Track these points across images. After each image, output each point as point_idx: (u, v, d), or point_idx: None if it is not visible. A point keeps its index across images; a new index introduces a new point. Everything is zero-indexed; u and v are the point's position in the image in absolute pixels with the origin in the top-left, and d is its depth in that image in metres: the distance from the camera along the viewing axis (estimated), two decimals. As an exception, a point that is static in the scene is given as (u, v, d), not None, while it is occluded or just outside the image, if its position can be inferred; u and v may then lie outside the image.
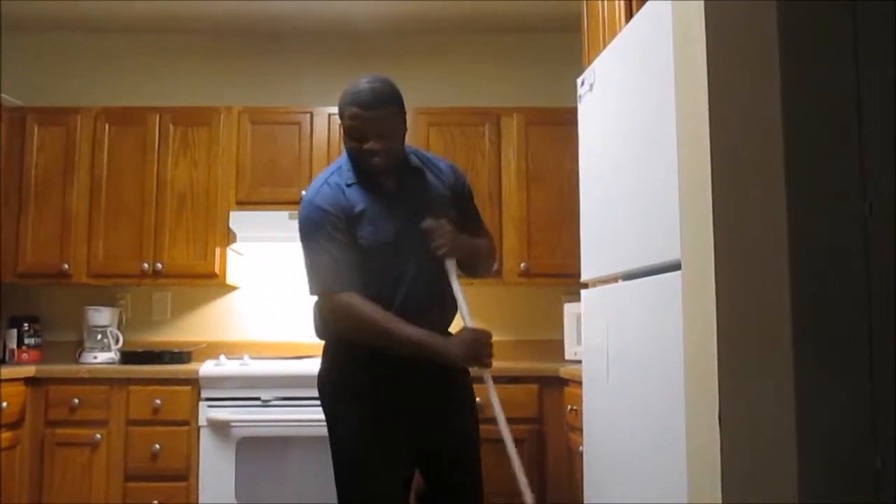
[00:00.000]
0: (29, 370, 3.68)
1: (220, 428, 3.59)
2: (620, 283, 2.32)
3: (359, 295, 2.31)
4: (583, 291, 2.66)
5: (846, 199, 1.12)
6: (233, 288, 4.36)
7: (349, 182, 2.39)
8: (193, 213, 4.07)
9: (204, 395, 3.62)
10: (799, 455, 1.09)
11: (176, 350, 4.03)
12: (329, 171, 2.46)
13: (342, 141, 2.44)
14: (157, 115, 4.12)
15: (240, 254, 4.29)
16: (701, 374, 1.26)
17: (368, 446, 2.33)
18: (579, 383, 2.87)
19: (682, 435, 1.38)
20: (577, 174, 2.70)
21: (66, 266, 4.02)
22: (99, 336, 4.12)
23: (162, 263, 4.02)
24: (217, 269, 4.05)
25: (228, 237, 4.05)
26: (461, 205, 2.57)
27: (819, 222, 1.12)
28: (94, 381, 3.68)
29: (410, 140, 2.62)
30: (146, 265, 4.02)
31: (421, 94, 4.28)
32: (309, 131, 4.13)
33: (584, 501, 2.56)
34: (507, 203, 4.10)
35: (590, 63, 2.75)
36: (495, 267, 2.74)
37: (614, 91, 2.34)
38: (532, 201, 4.09)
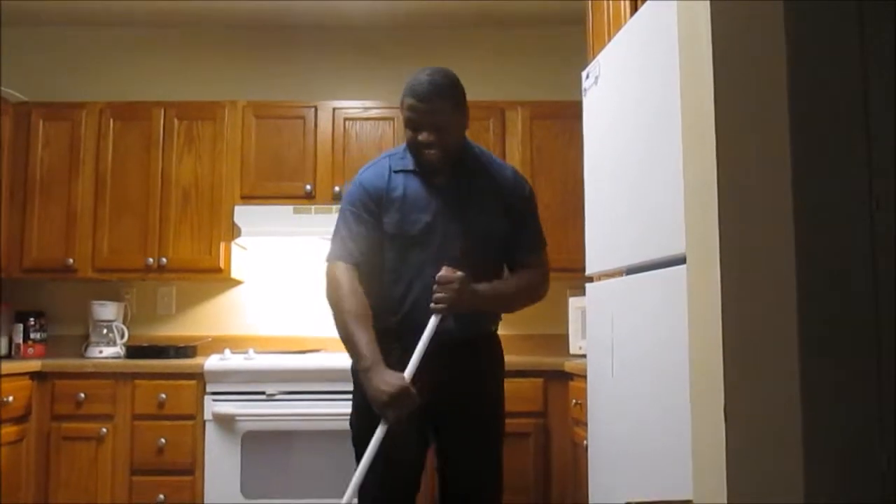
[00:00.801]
0: (34, 365, 3.69)
1: (226, 422, 3.59)
2: (625, 276, 2.32)
3: (353, 274, 2.30)
4: (587, 285, 2.66)
5: (852, 194, 1.12)
6: (237, 282, 4.36)
7: (398, 168, 2.38)
8: (198, 208, 4.07)
9: (209, 389, 3.63)
10: (805, 452, 1.08)
11: (181, 344, 4.04)
12: (388, 153, 2.47)
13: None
14: (162, 110, 4.12)
15: (244, 248, 4.30)
16: (706, 369, 1.25)
17: (364, 424, 2.30)
18: (584, 377, 2.87)
19: (687, 429, 1.38)
20: (581, 168, 2.69)
21: (72, 261, 4.02)
22: (104, 331, 4.13)
23: (167, 258, 4.03)
24: (222, 264, 4.05)
25: (233, 232, 4.05)
26: (513, 217, 2.44)
27: (825, 216, 1.12)
28: (100, 375, 3.69)
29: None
30: (151, 260, 4.03)
31: (425, 88, 4.27)
32: (313, 125, 4.12)
33: (589, 495, 2.56)
34: (511, 197, 4.09)
35: (594, 56, 2.74)
36: (540, 299, 2.58)
37: (619, 84, 2.34)
38: (537, 195, 4.07)
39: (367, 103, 4.18)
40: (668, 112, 1.86)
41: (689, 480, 1.38)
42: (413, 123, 2.30)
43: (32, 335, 4.12)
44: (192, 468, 3.61)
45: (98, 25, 4.49)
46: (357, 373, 2.37)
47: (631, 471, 2.13)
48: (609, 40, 2.59)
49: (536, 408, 3.64)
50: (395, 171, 2.37)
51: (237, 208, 4.04)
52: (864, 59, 1.11)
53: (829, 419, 1.08)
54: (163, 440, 3.61)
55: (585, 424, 2.75)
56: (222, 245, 4.05)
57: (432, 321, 2.25)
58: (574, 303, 3.95)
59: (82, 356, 4.07)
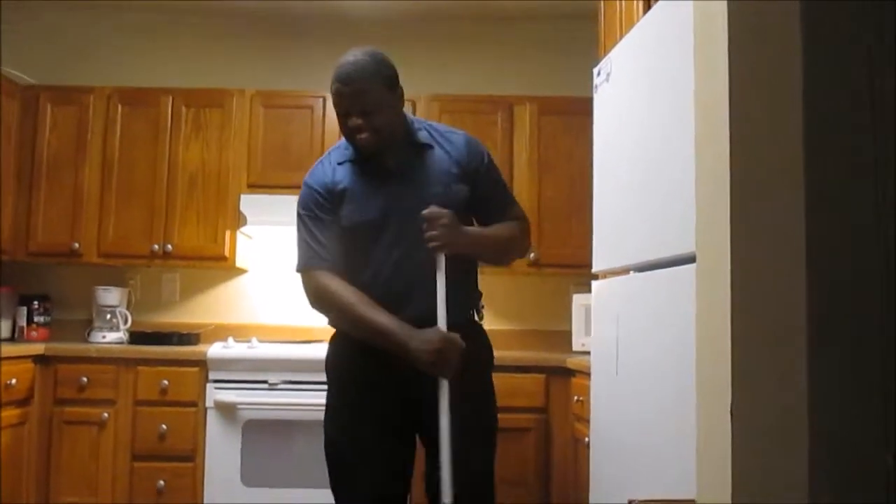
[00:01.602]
0: (38, 348, 3.70)
1: (227, 410, 3.60)
2: (632, 274, 2.32)
3: (335, 275, 2.23)
4: (593, 283, 2.65)
5: (866, 196, 1.11)
6: (242, 271, 4.37)
7: (341, 160, 2.31)
8: (204, 196, 4.07)
9: (211, 376, 3.64)
10: (810, 452, 1.08)
11: (184, 331, 4.05)
12: (332, 149, 2.40)
13: None
14: (170, 97, 4.12)
15: (249, 237, 4.30)
16: (713, 369, 1.25)
17: (345, 422, 2.29)
18: (587, 374, 2.87)
19: (691, 428, 1.38)
20: (589, 164, 2.68)
21: (77, 245, 4.03)
22: (108, 316, 4.14)
23: (172, 245, 4.03)
24: (227, 252, 4.06)
25: (239, 220, 4.06)
26: (476, 182, 2.34)
27: (838, 218, 1.11)
28: (103, 360, 3.70)
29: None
30: (156, 246, 4.03)
31: (433, 82, 4.27)
32: (321, 115, 4.12)
33: (590, 492, 2.57)
34: (518, 192, 4.07)
35: (606, 53, 2.73)
36: (530, 254, 2.50)
37: (632, 81, 2.33)
38: (543, 191, 4.08)
39: (376, 95, 4.18)
40: (680, 111, 1.86)
41: (692, 479, 1.38)
42: (340, 108, 2.20)
43: (36, 318, 4.13)
44: (192, 455, 3.62)
45: (108, 10, 4.49)
46: (329, 370, 2.39)
47: (633, 469, 2.13)
48: (621, 37, 2.59)
49: (538, 403, 3.65)
50: (339, 164, 2.30)
51: (243, 197, 4.04)
52: (882, 61, 1.11)
53: (835, 420, 1.08)
54: (164, 426, 3.62)
55: (587, 421, 2.76)
56: (228, 233, 4.06)
57: (438, 262, 2.17)
58: (578, 299, 3.95)
59: (86, 341, 4.07)
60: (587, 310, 3.69)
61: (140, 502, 3.60)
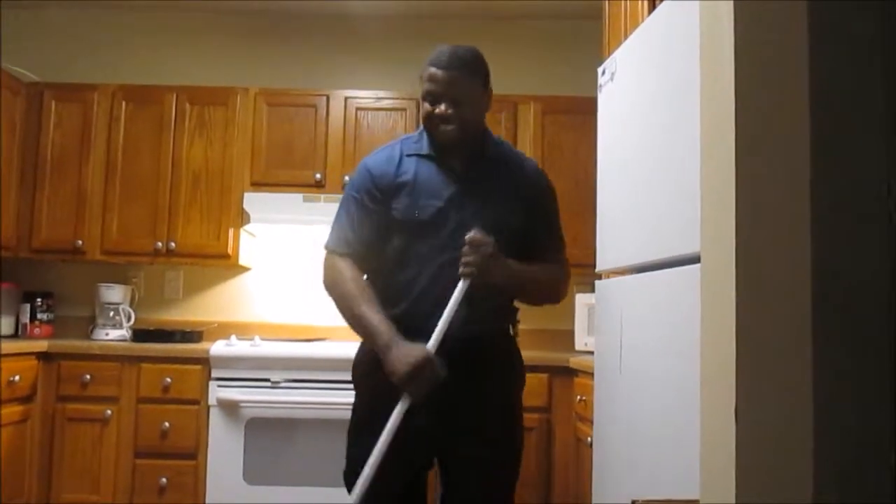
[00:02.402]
0: (41, 345, 3.70)
1: (230, 408, 3.60)
2: (636, 274, 2.31)
3: (354, 265, 2.17)
4: (597, 282, 2.65)
5: (872, 195, 1.11)
6: (245, 269, 4.37)
7: (410, 152, 2.22)
8: (208, 193, 4.07)
9: (214, 374, 3.64)
10: (815, 451, 1.08)
11: (187, 329, 4.05)
12: (403, 137, 2.32)
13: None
14: (174, 94, 4.12)
15: (253, 235, 4.30)
16: (718, 369, 1.25)
17: (360, 430, 2.18)
18: (589, 374, 2.87)
19: (694, 429, 1.38)
20: (593, 164, 2.68)
21: (80, 243, 4.03)
22: (111, 313, 4.14)
23: (175, 243, 4.03)
24: (230, 250, 4.06)
25: (242, 218, 4.06)
26: (531, 214, 2.25)
27: (844, 218, 1.11)
28: (106, 357, 3.70)
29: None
30: (159, 244, 4.03)
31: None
32: (325, 114, 4.12)
33: (592, 492, 2.56)
34: (521, 191, 4.09)
35: (610, 53, 2.73)
36: (560, 299, 2.41)
37: (636, 81, 2.32)
38: (547, 190, 4.07)
39: (380, 93, 4.18)
40: (684, 110, 1.85)
41: (696, 480, 1.38)
42: (431, 95, 2.13)
43: (39, 315, 4.13)
44: (195, 453, 3.62)
45: (113, 7, 4.49)
46: (353, 374, 2.27)
47: (636, 469, 2.13)
48: (626, 37, 2.58)
49: (541, 403, 3.64)
50: (408, 155, 2.22)
51: (247, 195, 4.04)
52: (889, 60, 1.11)
53: (840, 420, 1.08)
54: (167, 424, 3.62)
55: (590, 421, 2.76)
56: (231, 231, 4.06)
57: (460, 286, 2.06)
58: (581, 299, 3.94)
59: (89, 338, 4.08)
60: (590, 309, 3.69)
61: (142, 500, 3.61)
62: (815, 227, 1.08)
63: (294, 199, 4.00)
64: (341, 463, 2.27)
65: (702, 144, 1.39)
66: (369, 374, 2.17)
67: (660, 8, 2.17)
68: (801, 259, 1.10)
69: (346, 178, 4.00)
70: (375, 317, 2.08)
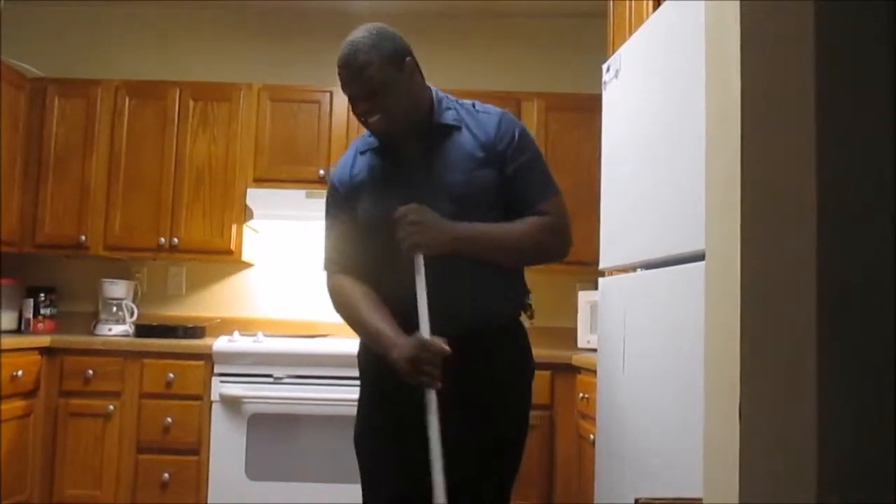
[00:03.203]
0: (44, 340, 3.71)
1: (232, 404, 3.61)
2: (640, 272, 2.31)
3: (350, 277, 2.08)
4: (600, 280, 2.65)
5: (878, 194, 1.11)
6: (248, 265, 4.37)
7: (364, 148, 2.12)
8: (211, 189, 4.07)
9: (217, 370, 3.64)
10: (818, 451, 1.08)
11: (190, 325, 4.05)
12: (359, 136, 2.21)
13: None
14: (178, 90, 4.12)
15: (256, 231, 4.30)
16: (722, 368, 1.25)
17: (366, 418, 2.12)
18: (592, 372, 2.87)
19: (698, 427, 1.38)
20: (596, 161, 2.68)
21: (84, 238, 4.03)
22: (114, 308, 4.15)
23: (178, 238, 4.03)
24: (233, 246, 4.06)
25: (245, 214, 4.06)
26: (503, 164, 2.05)
27: (849, 216, 1.11)
28: (109, 353, 3.70)
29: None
30: (163, 240, 4.04)
31: (441, 78, 4.23)
32: (328, 110, 4.11)
33: (595, 490, 2.56)
34: (524, 188, 4.08)
35: (615, 49, 2.72)
36: (563, 252, 2.20)
37: (641, 78, 2.32)
38: (550, 187, 4.07)
39: (383, 90, 4.17)
40: (689, 108, 1.85)
41: (699, 478, 1.37)
42: (346, 93, 2.02)
43: (43, 311, 4.14)
44: (197, 448, 3.62)
45: (116, 3, 4.49)
46: (359, 363, 2.20)
47: (639, 467, 2.13)
48: (630, 34, 2.58)
49: (543, 400, 3.64)
50: (361, 153, 2.12)
51: (250, 191, 4.04)
52: (895, 59, 1.10)
53: (843, 420, 1.08)
54: (169, 419, 3.63)
55: (592, 418, 2.75)
56: (234, 227, 4.06)
57: (417, 265, 1.94)
58: (584, 296, 3.94)
59: (91, 333, 4.08)
60: (593, 307, 3.69)
61: (144, 495, 3.61)
62: (819, 225, 1.08)
63: (297, 195, 4.00)
64: (344, 459, 2.26)
65: (707, 142, 1.39)
66: (373, 365, 2.10)
67: (665, 5, 2.16)
68: (805, 257, 1.09)
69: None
70: (378, 321, 1.99)
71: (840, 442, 1.07)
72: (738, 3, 1.25)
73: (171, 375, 3.65)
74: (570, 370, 3.57)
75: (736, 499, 1.20)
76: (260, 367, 3.64)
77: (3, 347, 3.37)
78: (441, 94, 2.14)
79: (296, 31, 4.52)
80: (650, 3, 2.76)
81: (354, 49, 1.98)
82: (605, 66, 2.65)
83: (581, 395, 3.36)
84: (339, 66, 2.01)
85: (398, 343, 1.92)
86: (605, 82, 2.63)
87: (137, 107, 4.12)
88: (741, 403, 1.21)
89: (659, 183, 2.10)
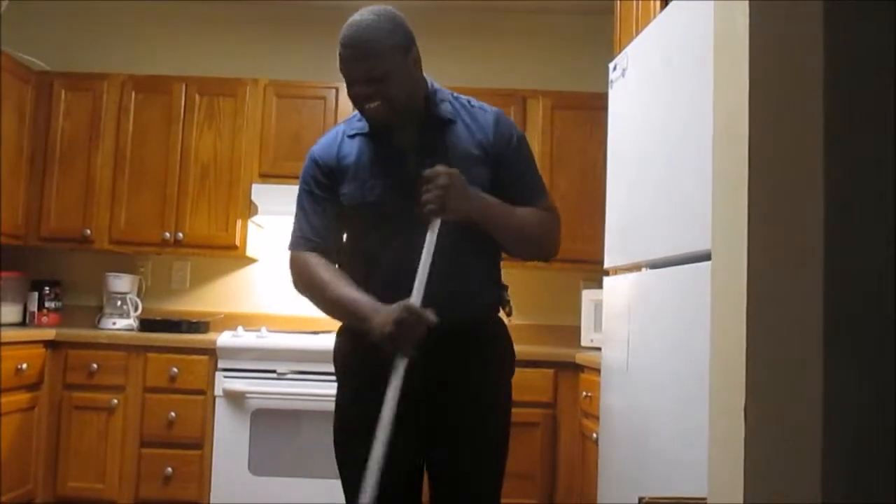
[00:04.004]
0: (49, 333, 3.71)
1: (236, 399, 3.61)
2: (645, 271, 2.31)
3: (320, 256, 2.04)
4: (605, 278, 2.65)
5: (885, 195, 1.11)
6: (252, 260, 4.37)
7: (353, 132, 2.07)
8: (216, 185, 4.08)
9: (221, 365, 3.65)
10: (824, 450, 1.08)
11: (194, 320, 4.06)
12: (348, 118, 2.16)
13: None
14: (184, 85, 4.12)
15: (260, 227, 4.31)
16: (728, 367, 1.25)
17: (347, 418, 2.08)
18: (595, 370, 2.87)
19: (702, 427, 1.38)
20: (602, 160, 2.68)
21: (89, 232, 4.04)
22: (118, 302, 4.15)
23: (183, 233, 4.04)
24: (237, 241, 4.07)
25: (250, 209, 4.06)
26: (500, 166, 2.04)
27: (857, 218, 1.11)
28: (113, 346, 3.71)
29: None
30: (167, 234, 4.04)
31: (446, 74, 4.22)
32: (334, 106, 4.12)
33: (598, 489, 2.56)
34: (529, 186, 4.08)
35: (621, 48, 2.72)
36: (553, 252, 2.13)
37: (648, 77, 2.32)
38: (555, 185, 4.06)
39: (389, 86, 4.17)
40: (696, 107, 1.85)
41: (704, 478, 1.38)
42: (346, 75, 1.94)
43: (47, 304, 4.15)
44: (200, 443, 3.63)
45: (123, -3, 4.49)
46: (335, 364, 2.15)
47: (643, 466, 2.13)
48: (637, 32, 2.57)
49: (546, 398, 3.65)
50: (349, 136, 2.07)
51: (255, 186, 4.05)
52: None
53: (850, 419, 1.08)
54: (173, 414, 3.63)
55: (595, 417, 2.76)
56: (239, 222, 4.06)
57: (431, 230, 1.88)
58: (587, 295, 3.94)
59: (96, 327, 4.09)
60: (597, 305, 3.69)
61: (147, 489, 3.62)
62: (827, 224, 1.08)
63: (302, 191, 4.00)
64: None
65: (714, 141, 1.39)
66: (351, 363, 2.08)
67: (672, 4, 2.16)
68: (813, 257, 1.09)
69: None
70: (353, 294, 1.93)
71: (846, 442, 1.07)
72: (746, 2, 1.25)
73: (175, 370, 3.66)
74: (574, 368, 3.57)
75: (740, 498, 1.21)
76: (263, 362, 3.64)
77: (8, 340, 3.38)
78: (437, 85, 2.11)
79: (301, 26, 4.52)
80: (657, 2, 2.75)
81: (362, 31, 1.92)
82: (611, 65, 2.65)
83: (584, 393, 3.36)
84: (342, 46, 1.94)
85: (381, 309, 1.85)
86: (611, 81, 2.63)
87: (143, 101, 4.12)
88: (746, 403, 1.21)
89: (665, 182, 2.10)
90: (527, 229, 2.04)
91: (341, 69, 1.96)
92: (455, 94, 2.13)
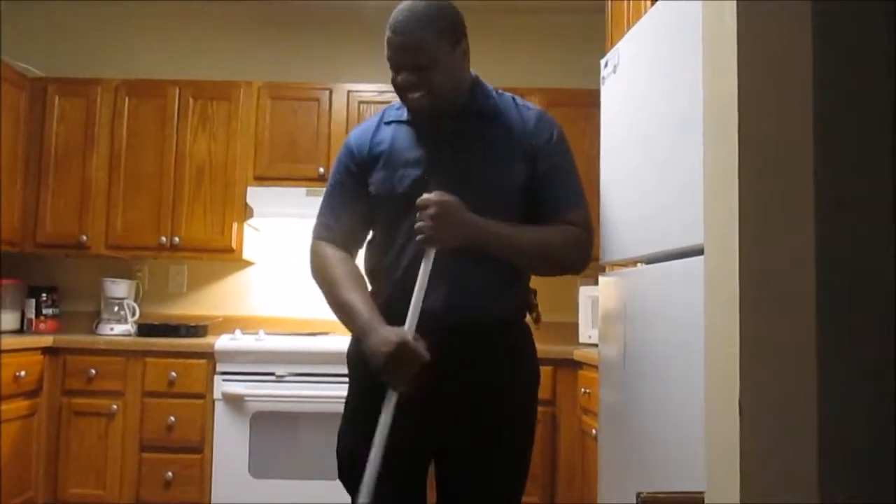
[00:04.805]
0: (47, 340, 3.71)
1: (235, 402, 3.61)
2: (640, 266, 2.31)
3: (339, 249, 2.01)
4: (600, 275, 2.65)
5: (877, 190, 1.11)
6: (249, 263, 4.37)
7: (391, 119, 2.02)
8: (211, 188, 4.08)
9: (219, 368, 3.65)
10: (820, 446, 1.08)
11: (192, 324, 4.06)
12: (389, 105, 2.10)
13: None
14: (177, 89, 4.12)
15: (256, 229, 4.31)
16: (722, 362, 1.25)
17: (353, 422, 2.01)
18: (593, 367, 2.87)
19: (700, 422, 1.38)
20: (596, 156, 2.68)
21: (85, 237, 4.04)
22: (116, 308, 4.15)
23: (179, 237, 4.04)
24: (234, 244, 4.07)
25: (245, 212, 4.06)
26: (534, 169, 1.97)
27: (848, 211, 1.11)
28: (111, 352, 3.71)
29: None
30: (164, 238, 4.04)
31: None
32: (328, 107, 4.12)
33: (598, 485, 2.57)
34: (525, 184, 4.08)
35: (613, 44, 2.72)
36: (580, 268, 2.05)
37: (639, 73, 2.32)
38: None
39: (382, 86, 4.16)
40: (687, 102, 1.85)
41: (702, 473, 1.38)
42: (391, 62, 1.89)
43: (45, 310, 4.14)
44: (200, 446, 3.63)
45: (116, 2, 4.49)
46: (348, 365, 2.09)
47: (642, 462, 2.13)
48: (628, 28, 2.57)
49: (545, 395, 3.64)
50: (386, 123, 2.01)
51: (250, 189, 4.05)
52: (893, 58, 1.10)
53: (845, 415, 1.08)
54: (172, 418, 3.63)
55: (594, 413, 2.76)
56: (235, 225, 4.06)
57: (427, 257, 1.84)
58: (584, 291, 3.94)
59: (94, 333, 4.09)
60: (594, 301, 3.69)
61: (148, 493, 3.62)
62: (819, 218, 1.08)
63: (297, 192, 4.00)
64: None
65: (704, 136, 1.39)
66: (359, 365, 2.00)
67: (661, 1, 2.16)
68: (805, 251, 1.09)
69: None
70: (356, 298, 1.91)
71: (842, 435, 1.07)
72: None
73: (174, 374, 3.65)
74: (572, 365, 3.57)
75: (738, 493, 1.21)
76: (262, 365, 3.64)
77: (6, 347, 3.38)
78: (482, 81, 2.06)
79: (295, 28, 4.52)
80: (648, 0, 2.75)
81: (412, 18, 1.87)
82: (603, 61, 2.65)
83: (583, 390, 3.36)
84: (391, 31, 1.88)
85: (378, 331, 1.82)
86: (603, 77, 2.63)
87: (137, 106, 4.12)
88: (741, 397, 1.21)
89: (659, 177, 2.10)
90: (540, 250, 1.96)
91: (388, 55, 1.90)
92: (499, 91, 2.08)
